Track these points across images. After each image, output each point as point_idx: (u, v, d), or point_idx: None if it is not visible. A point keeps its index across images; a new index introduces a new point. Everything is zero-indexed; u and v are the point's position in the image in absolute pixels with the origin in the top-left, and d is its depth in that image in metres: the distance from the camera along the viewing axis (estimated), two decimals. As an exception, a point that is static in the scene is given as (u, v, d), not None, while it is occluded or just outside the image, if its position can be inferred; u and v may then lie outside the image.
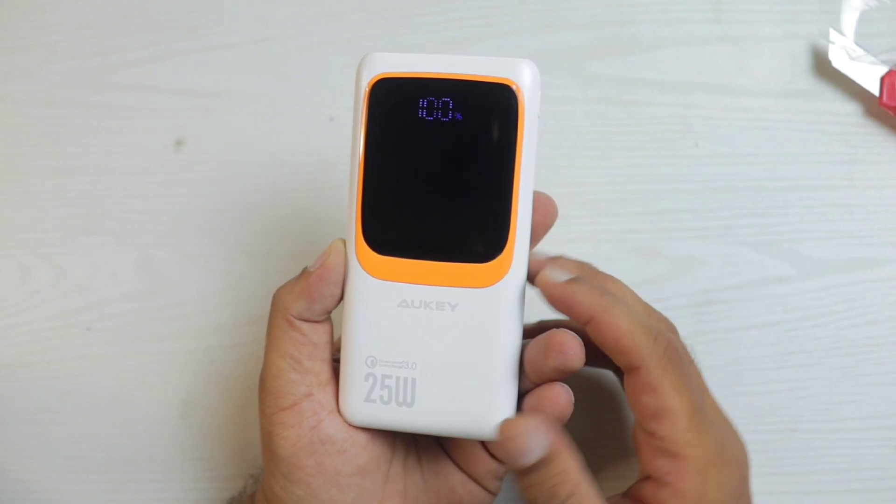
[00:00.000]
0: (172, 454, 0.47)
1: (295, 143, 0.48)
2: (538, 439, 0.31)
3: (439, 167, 0.33)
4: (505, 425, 0.32)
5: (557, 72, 0.48)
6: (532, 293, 0.34)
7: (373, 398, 0.34)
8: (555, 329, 0.33)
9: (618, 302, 0.32)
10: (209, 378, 0.47)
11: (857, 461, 0.45)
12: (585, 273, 0.35)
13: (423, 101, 0.33)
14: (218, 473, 0.47)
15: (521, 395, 0.34)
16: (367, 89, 0.33)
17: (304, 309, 0.34)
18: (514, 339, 0.33)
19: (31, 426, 0.47)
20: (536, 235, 0.35)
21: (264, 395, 0.35)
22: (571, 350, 0.32)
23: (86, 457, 0.47)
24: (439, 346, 0.33)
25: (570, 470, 0.31)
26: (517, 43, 0.48)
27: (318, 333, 0.34)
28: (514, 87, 0.32)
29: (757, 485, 0.35)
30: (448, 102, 0.32)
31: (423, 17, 0.49)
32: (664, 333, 0.32)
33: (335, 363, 0.36)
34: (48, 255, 0.48)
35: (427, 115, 0.33)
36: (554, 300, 0.33)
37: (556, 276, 0.33)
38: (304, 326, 0.34)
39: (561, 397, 0.33)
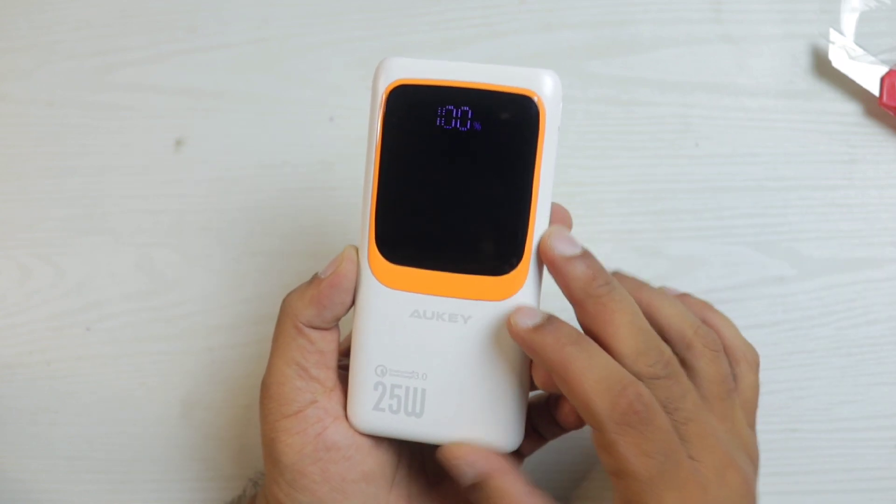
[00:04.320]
0: (172, 454, 0.47)
1: (295, 143, 0.48)
2: (469, 468, 0.32)
3: (456, 177, 0.32)
4: (446, 450, 0.33)
5: (557, 72, 0.47)
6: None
7: (381, 407, 0.33)
8: None
9: (583, 353, 0.31)
10: (209, 378, 0.47)
11: (857, 461, 0.45)
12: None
13: (441, 110, 0.32)
14: (218, 474, 0.47)
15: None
16: (385, 95, 0.32)
17: (314, 316, 0.33)
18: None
19: (31, 426, 0.47)
20: None
21: (267, 402, 0.34)
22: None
23: (86, 457, 0.47)
24: (450, 358, 0.33)
25: (507, 491, 0.32)
26: (517, 43, 0.48)
27: (327, 341, 0.34)
28: (535, 98, 0.32)
29: (757, 485, 0.35)
30: (468, 112, 0.32)
31: (423, 16, 0.48)
32: (630, 389, 0.30)
33: (341, 370, 0.35)
34: (48, 255, 0.48)
35: (446, 124, 0.32)
36: (524, 347, 0.32)
37: (524, 321, 0.31)
38: (313, 334, 0.34)
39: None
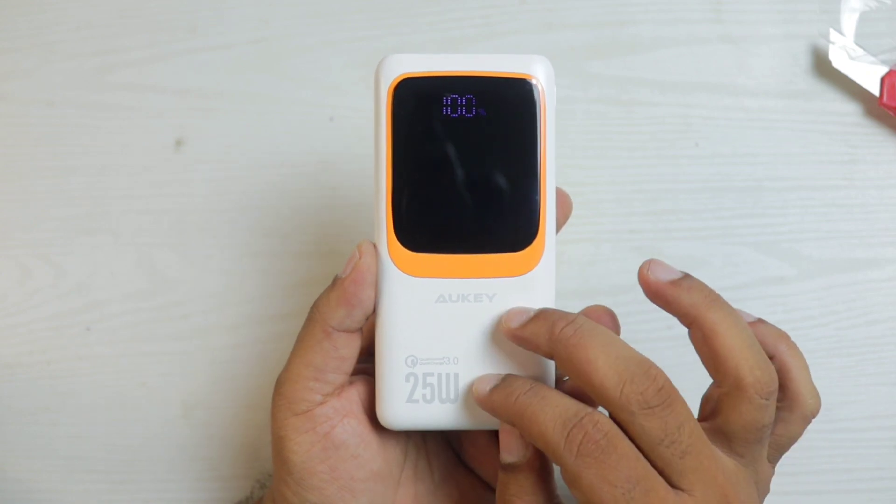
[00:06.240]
0: (173, 454, 0.47)
1: (295, 143, 0.48)
2: (522, 448, 0.32)
3: (468, 162, 0.34)
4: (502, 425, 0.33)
5: (558, 72, 0.47)
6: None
7: (415, 398, 0.34)
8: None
9: (535, 397, 0.31)
10: (210, 378, 0.47)
11: (857, 461, 0.45)
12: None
13: (447, 99, 0.34)
14: (219, 474, 0.47)
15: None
16: (391, 90, 0.34)
17: (344, 317, 0.33)
18: None
19: (31, 426, 0.47)
20: (557, 228, 0.35)
21: (279, 399, 0.34)
22: None
23: (86, 457, 0.47)
24: (479, 338, 0.34)
25: (541, 483, 0.32)
26: (517, 42, 0.48)
27: (350, 347, 0.34)
28: (534, 80, 0.34)
29: (757, 485, 0.35)
30: (472, 99, 0.34)
31: (423, 16, 0.48)
32: (586, 419, 0.30)
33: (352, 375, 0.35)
34: (48, 255, 0.48)
35: (452, 113, 0.34)
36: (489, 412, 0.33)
37: (482, 388, 0.33)
38: (340, 339, 0.34)
39: None
